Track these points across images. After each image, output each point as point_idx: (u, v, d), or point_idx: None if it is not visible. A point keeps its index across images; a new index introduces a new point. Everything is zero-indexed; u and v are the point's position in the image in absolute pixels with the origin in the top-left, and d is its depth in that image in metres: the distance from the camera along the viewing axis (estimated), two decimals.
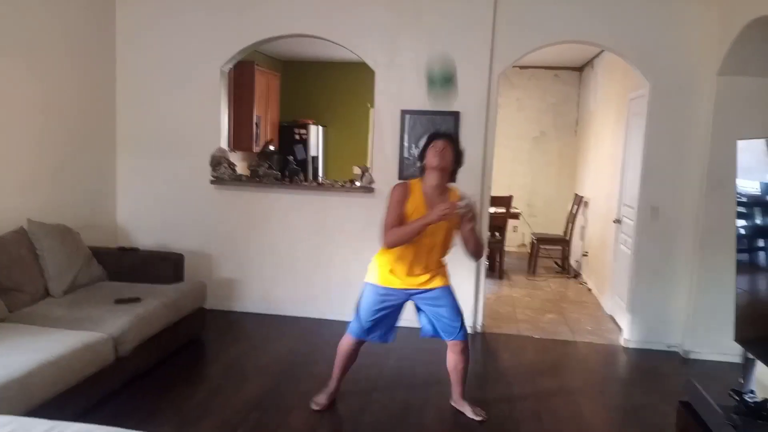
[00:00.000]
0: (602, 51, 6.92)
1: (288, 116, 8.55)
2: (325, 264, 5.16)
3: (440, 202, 3.05)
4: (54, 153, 4.48)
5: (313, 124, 8.49)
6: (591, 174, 7.37)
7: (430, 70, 3.41)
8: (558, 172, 8.81)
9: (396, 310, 3.34)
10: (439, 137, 3.16)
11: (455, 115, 4.80)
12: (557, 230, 8.14)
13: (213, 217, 5.23)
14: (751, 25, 3.95)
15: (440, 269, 3.33)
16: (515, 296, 6.41)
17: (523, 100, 8.83)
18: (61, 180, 4.58)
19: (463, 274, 4.94)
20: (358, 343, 3.41)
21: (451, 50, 4.77)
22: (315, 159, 8.54)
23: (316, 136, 8.53)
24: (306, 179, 5.72)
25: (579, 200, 7.47)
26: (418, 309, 3.39)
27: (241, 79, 6.67)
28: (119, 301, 3.76)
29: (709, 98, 4.48)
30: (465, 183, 4.80)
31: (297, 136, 8.25)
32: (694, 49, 4.56)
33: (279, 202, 5.16)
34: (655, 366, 4.50)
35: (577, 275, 7.42)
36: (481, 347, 4.79)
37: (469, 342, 3.44)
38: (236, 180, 5.12)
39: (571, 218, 7.57)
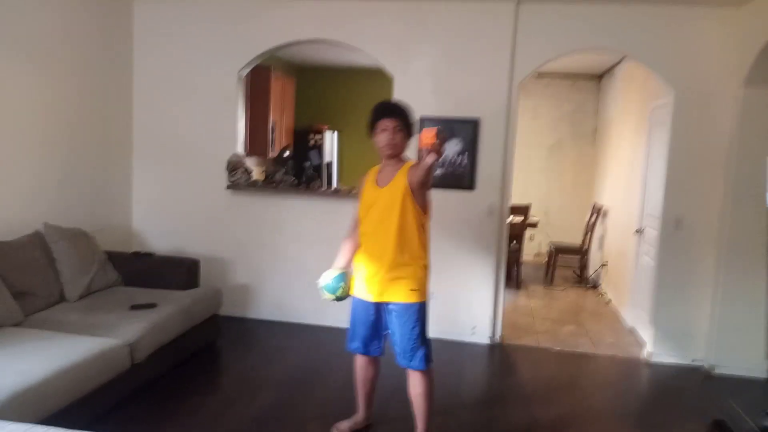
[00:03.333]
0: (622, 59, 6.83)
1: (303, 122, 8.51)
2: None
3: (391, 177, 2.85)
4: (69, 157, 4.46)
5: (328, 129, 8.45)
6: (610, 183, 7.26)
7: (325, 285, 3.02)
8: (574, 180, 8.70)
9: (368, 321, 2.99)
10: (386, 115, 2.83)
11: (474, 123, 4.72)
12: (574, 239, 8.03)
13: (228, 222, 5.19)
14: None
15: (404, 271, 2.83)
16: (533, 306, 6.31)
17: (539, 108, 8.73)
18: (77, 184, 4.55)
19: (481, 283, 4.87)
20: (364, 360, 3.14)
21: (470, 57, 4.75)
22: (329, 164, 8.49)
23: (330, 141, 8.48)
24: (322, 185, 5.64)
25: (598, 210, 7.36)
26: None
27: (257, 84, 6.62)
28: (135, 307, 3.72)
29: (735, 108, 4.37)
30: (484, 192, 4.78)
31: (312, 142, 8.20)
32: (718, 58, 4.46)
33: (294, 209, 5.10)
34: (680, 381, 4.39)
35: (595, 286, 7.30)
36: (500, 360, 4.69)
37: (432, 371, 3.01)
38: (252, 186, 5.07)
39: (590, 228, 7.45)
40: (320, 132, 8.25)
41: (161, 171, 5.25)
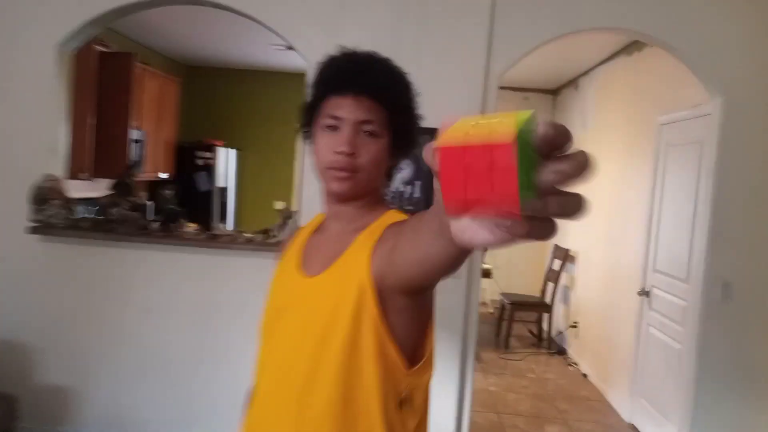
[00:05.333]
0: (596, 66, 5.46)
1: (189, 135, 6.58)
2: (217, 364, 3.22)
3: (337, 250, 1.09)
4: None
5: (224, 146, 6.57)
6: (579, 222, 5.80)
7: None
8: None
9: None
10: (349, 84, 1.06)
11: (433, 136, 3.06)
12: (528, 289, 6.51)
13: (33, 286, 3.20)
14: None
15: None
16: (493, 390, 4.67)
17: None
18: None
19: (440, 380, 3.17)
20: None
21: (426, 40, 3.11)
22: (224, 191, 6.60)
23: (225, 161, 6.60)
24: (177, 227, 3.72)
25: (563, 254, 5.87)
26: None
27: (112, 75, 4.67)
28: None
29: None
30: None
31: (200, 161, 6.30)
32: None
33: (146, 265, 3.21)
34: None
35: (561, 351, 5.78)
36: None
37: None
38: (73, 227, 3.14)
39: (552, 277, 5.96)
40: (212, 149, 6.37)
41: None
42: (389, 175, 1.17)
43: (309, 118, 1.12)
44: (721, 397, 3.17)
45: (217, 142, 6.47)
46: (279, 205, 5.96)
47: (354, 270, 1.02)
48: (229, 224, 6.64)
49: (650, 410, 3.84)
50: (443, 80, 3.09)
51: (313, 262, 1.12)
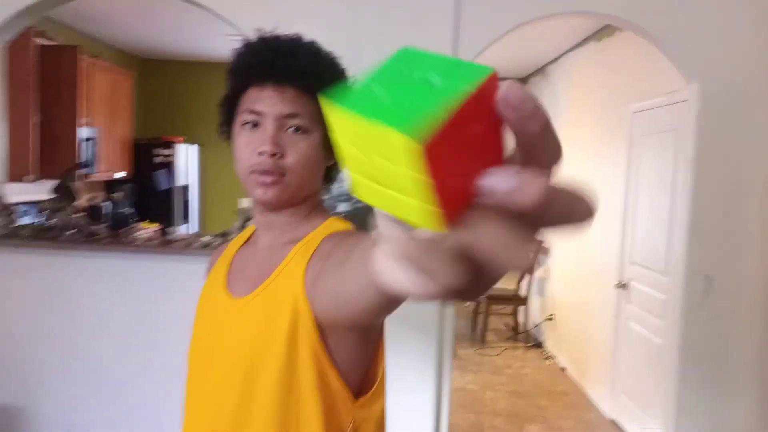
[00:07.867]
0: (564, 53, 5.33)
1: (146, 131, 6.29)
2: (172, 381, 3.01)
3: (267, 267, 0.93)
4: None
5: (184, 142, 6.28)
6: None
7: None
8: None
9: None
10: (263, 74, 0.91)
11: None
12: (502, 282, 6.39)
13: None
14: None
15: None
16: (471, 388, 4.53)
17: None
18: None
19: (413, 388, 3.01)
20: None
21: (388, 32, 2.93)
22: (186, 189, 6.32)
23: (185, 158, 6.31)
24: (128, 231, 3.49)
25: (537, 245, 5.75)
26: None
27: (57, 72, 4.39)
28: None
29: None
30: None
31: (159, 159, 6.01)
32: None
33: (93, 274, 2.97)
34: None
35: (538, 344, 5.68)
36: None
37: None
38: (12, 235, 2.88)
39: (528, 269, 5.84)
40: (171, 146, 6.08)
41: None
42: (330, 178, 1.03)
43: (228, 114, 0.98)
44: (704, 392, 3.07)
45: (177, 139, 6.18)
46: (245, 202, 5.73)
47: (287, 289, 0.88)
48: (193, 224, 6.38)
49: (631, 406, 3.75)
50: None
51: (241, 280, 0.98)
